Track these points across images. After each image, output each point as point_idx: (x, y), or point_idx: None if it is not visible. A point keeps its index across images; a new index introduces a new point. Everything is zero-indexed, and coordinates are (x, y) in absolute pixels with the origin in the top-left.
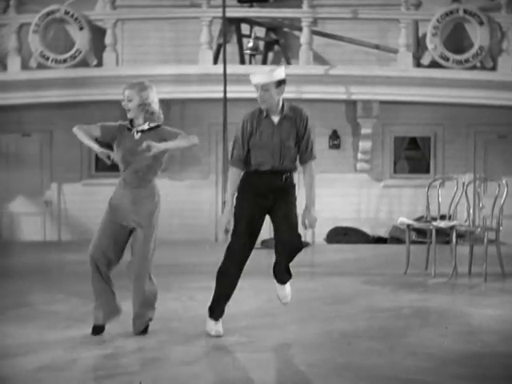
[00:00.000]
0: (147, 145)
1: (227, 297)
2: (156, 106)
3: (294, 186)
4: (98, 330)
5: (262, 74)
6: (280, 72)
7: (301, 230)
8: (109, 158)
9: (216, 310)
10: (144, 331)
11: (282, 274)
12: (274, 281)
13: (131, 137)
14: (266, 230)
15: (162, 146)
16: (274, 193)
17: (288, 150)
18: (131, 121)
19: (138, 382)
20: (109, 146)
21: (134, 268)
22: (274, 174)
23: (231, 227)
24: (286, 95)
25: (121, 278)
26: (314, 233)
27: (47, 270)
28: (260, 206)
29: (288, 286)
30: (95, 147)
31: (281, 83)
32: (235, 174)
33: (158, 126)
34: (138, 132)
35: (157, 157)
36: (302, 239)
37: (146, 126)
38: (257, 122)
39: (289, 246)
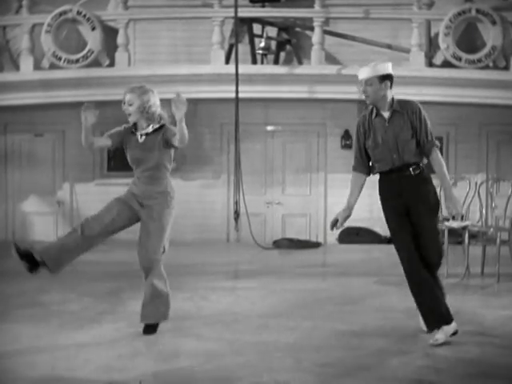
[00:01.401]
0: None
1: (432, 302)
2: (157, 109)
3: (426, 180)
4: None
5: (365, 69)
6: (385, 67)
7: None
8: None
9: (429, 318)
10: (153, 329)
11: (443, 310)
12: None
13: (136, 140)
14: (278, 230)
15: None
16: (406, 190)
17: (405, 143)
18: (135, 124)
19: (139, 381)
20: (122, 150)
21: (143, 261)
22: (399, 170)
23: (339, 227)
24: (297, 95)
25: (133, 278)
26: (326, 233)
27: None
28: (399, 207)
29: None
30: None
31: (385, 78)
32: (356, 179)
33: (161, 127)
34: (141, 136)
35: (164, 154)
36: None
37: (150, 129)
38: (368, 122)
39: (431, 266)
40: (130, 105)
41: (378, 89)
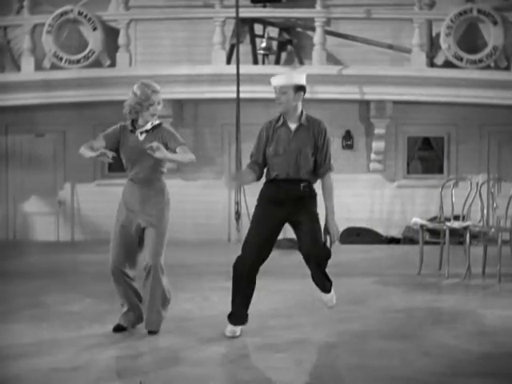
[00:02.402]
0: (156, 146)
1: (241, 303)
2: None
3: (314, 196)
4: (120, 329)
5: (280, 76)
6: (300, 78)
7: None
8: (107, 156)
9: (233, 314)
10: (157, 330)
11: (321, 281)
12: (317, 289)
13: (135, 137)
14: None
15: (169, 156)
16: (293, 201)
17: (305, 158)
18: (133, 121)
19: (143, 382)
20: (117, 151)
21: (147, 264)
22: (291, 182)
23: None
24: None
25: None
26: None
27: (60, 270)
28: (277, 216)
29: (332, 293)
30: (93, 154)
31: (299, 89)
32: (247, 171)
33: (159, 125)
34: (141, 133)
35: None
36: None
37: (149, 126)
38: (273, 129)
39: (316, 259)
40: (159, 104)
41: (291, 98)
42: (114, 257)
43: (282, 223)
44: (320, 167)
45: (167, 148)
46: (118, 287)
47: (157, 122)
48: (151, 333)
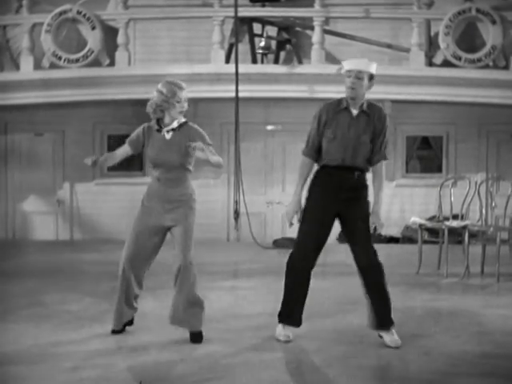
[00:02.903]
0: (200, 147)
1: (296, 301)
2: None
3: (366, 187)
4: (117, 332)
5: (357, 60)
6: (374, 67)
7: None
8: (95, 162)
9: (284, 313)
10: (200, 337)
11: (380, 314)
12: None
13: (161, 137)
14: (278, 230)
15: (210, 157)
16: (346, 192)
17: (363, 145)
18: (158, 120)
19: (139, 381)
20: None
21: (180, 262)
22: (345, 170)
23: (296, 220)
24: (297, 94)
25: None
26: None
27: (60, 270)
28: (331, 208)
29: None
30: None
31: (372, 78)
32: (306, 165)
33: (185, 123)
34: (168, 132)
35: (189, 153)
36: None
37: (175, 124)
38: (333, 112)
39: (370, 271)
40: (185, 101)
41: (365, 85)
42: (127, 256)
43: (335, 216)
44: (375, 154)
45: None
46: (123, 283)
47: (183, 120)
48: (195, 336)
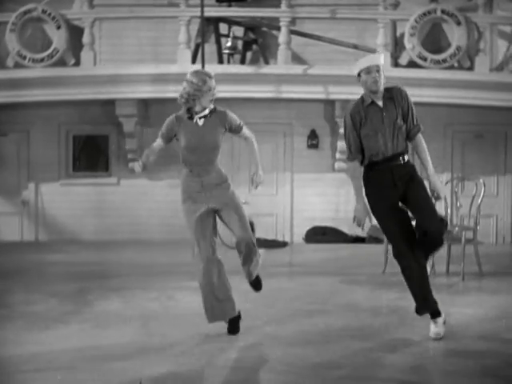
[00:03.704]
0: (259, 182)
1: (421, 286)
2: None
3: (413, 166)
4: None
5: (374, 56)
6: (383, 58)
7: None
8: (144, 166)
9: (421, 304)
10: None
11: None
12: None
13: (194, 124)
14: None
15: (260, 172)
16: (401, 179)
17: (400, 129)
18: (189, 110)
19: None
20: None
21: (241, 241)
22: (391, 160)
23: (366, 223)
24: (263, 95)
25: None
26: (293, 232)
27: (25, 271)
28: (392, 198)
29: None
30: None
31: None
32: (356, 169)
33: (215, 109)
34: (200, 118)
35: (220, 138)
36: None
37: (207, 111)
38: (364, 111)
39: (435, 235)
40: (215, 89)
41: (383, 77)
42: (204, 248)
43: (400, 201)
44: (411, 130)
45: (231, 130)
46: (211, 280)
47: (211, 106)
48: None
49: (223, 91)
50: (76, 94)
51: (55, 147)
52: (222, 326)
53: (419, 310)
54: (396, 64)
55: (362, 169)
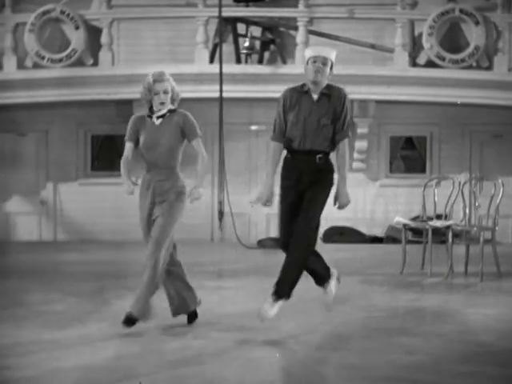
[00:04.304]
0: (198, 196)
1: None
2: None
3: (330, 171)
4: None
5: (322, 47)
6: (335, 55)
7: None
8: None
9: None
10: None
11: (283, 285)
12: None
13: (152, 124)
14: (262, 230)
15: (200, 189)
16: (309, 175)
17: (324, 128)
18: (150, 109)
19: (138, 382)
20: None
21: (148, 252)
22: (307, 154)
23: (271, 203)
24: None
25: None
26: None
27: (43, 270)
28: (297, 193)
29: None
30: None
31: (332, 67)
32: (275, 150)
33: (175, 110)
34: (158, 118)
35: (177, 141)
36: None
37: (164, 111)
38: (296, 96)
39: (295, 238)
40: (166, 93)
41: (328, 72)
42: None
43: (300, 198)
44: (336, 134)
45: (184, 135)
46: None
47: (171, 107)
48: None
49: (241, 91)
50: (94, 94)
51: (73, 147)
52: (242, 325)
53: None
54: (414, 64)
55: (283, 159)
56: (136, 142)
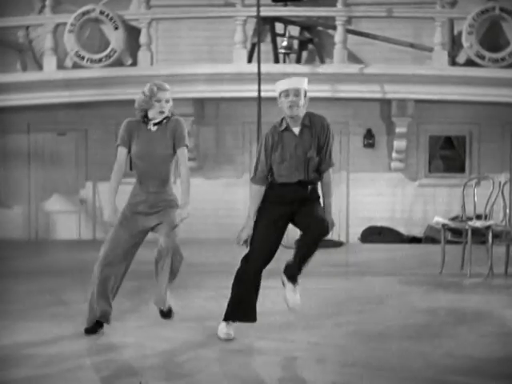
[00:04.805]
0: (184, 217)
1: (240, 301)
2: None
3: (318, 197)
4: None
5: (292, 79)
6: (306, 82)
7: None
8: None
9: (230, 313)
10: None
11: (293, 267)
12: (283, 280)
13: (147, 130)
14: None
15: (185, 210)
16: (299, 201)
17: (312, 160)
18: (145, 116)
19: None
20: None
21: (164, 247)
22: (298, 185)
23: (247, 242)
24: (319, 94)
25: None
26: (349, 232)
27: (82, 269)
28: (282, 214)
29: (297, 289)
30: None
31: (306, 94)
32: (257, 192)
33: (170, 117)
34: (154, 125)
35: (171, 149)
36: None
37: (161, 118)
38: (278, 135)
39: (316, 229)
40: (168, 102)
41: (303, 102)
42: (103, 254)
43: (287, 222)
44: (321, 164)
45: (174, 139)
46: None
47: (169, 114)
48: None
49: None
50: (133, 94)
51: (112, 146)
52: (281, 325)
53: (228, 316)
54: (453, 63)
55: (268, 184)
56: (130, 149)
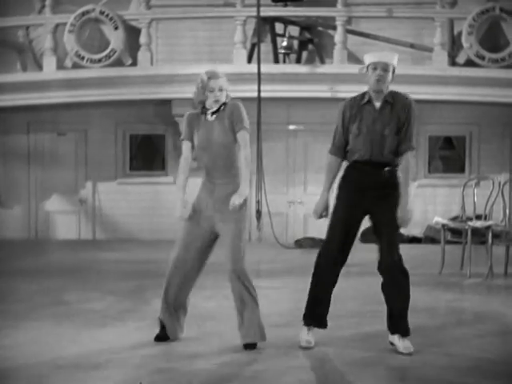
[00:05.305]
0: (238, 204)
1: (321, 301)
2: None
3: (396, 185)
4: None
5: (384, 53)
6: (396, 59)
7: None
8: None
9: (308, 316)
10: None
11: (395, 318)
12: (393, 342)
13: (205, 121)
14: (300, 229)
15: (241, 197)
16: (375, 190)
17: (388, 138)
18: (203, 106)
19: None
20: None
21: (229, 264)
22: (374, 166)
23: (327, 216)
24: (319, 94)
25: (156, 277)
26: None
27: (82, 269)
28: (358, 207)
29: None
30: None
31: (394, 71)
32: (333, 164)
33: (225, 103)
34: (212, 114)
35: (230, 133)
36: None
37: (217, 106)
38: (358, 107)
39: (389, 270)
40: (221, 90)
41: (390, 78)
42: (175, 258)
43: (364, 214)
44: (401, 144)
45: (232, 123)
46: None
47: (225, 100)
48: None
49: (279, 91)
50: (133, 94)
51: (112, 146)
52: (274, 324)
53: (306, 318)
54: (453, 63)
55: (343, 171)
56: (193, 142)
